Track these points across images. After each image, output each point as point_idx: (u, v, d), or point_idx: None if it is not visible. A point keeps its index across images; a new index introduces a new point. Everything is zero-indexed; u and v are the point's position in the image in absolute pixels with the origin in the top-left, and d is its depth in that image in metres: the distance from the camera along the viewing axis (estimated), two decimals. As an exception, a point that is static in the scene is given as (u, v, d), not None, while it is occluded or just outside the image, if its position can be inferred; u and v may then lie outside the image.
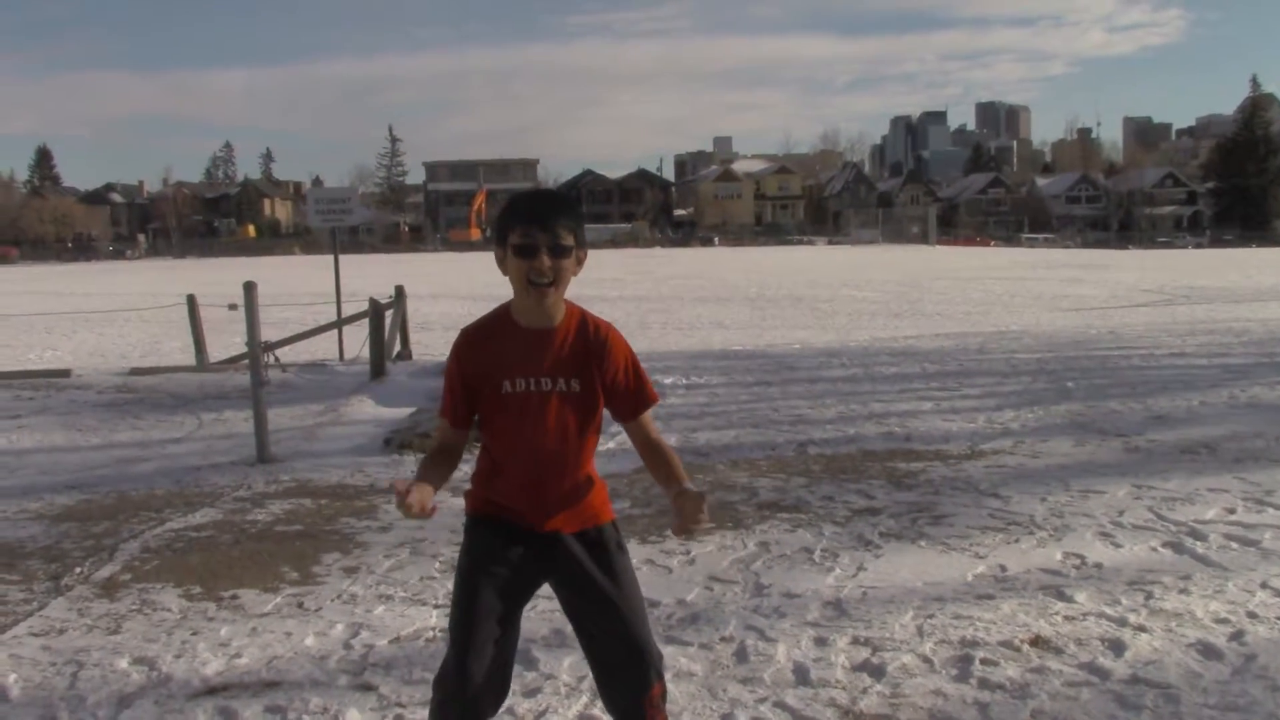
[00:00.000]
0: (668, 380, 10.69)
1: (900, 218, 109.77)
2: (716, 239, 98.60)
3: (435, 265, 54.20)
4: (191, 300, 14.44)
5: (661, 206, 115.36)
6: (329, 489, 6.62)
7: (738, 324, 20.01)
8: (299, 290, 27.68)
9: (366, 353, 11.89)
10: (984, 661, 3.65)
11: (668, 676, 3.51)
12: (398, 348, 13.62)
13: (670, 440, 7.78)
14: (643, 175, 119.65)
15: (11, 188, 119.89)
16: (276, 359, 12.60)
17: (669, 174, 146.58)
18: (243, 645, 3.97)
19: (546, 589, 2.71)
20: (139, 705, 3.47)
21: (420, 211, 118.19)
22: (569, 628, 2.77)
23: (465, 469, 2.78)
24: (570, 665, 3.61)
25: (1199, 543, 4.96)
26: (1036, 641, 3.81)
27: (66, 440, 8.64)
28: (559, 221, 2.50)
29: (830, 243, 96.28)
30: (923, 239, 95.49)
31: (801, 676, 3.57)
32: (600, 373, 2.61)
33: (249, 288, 7.92)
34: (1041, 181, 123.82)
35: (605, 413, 2.68)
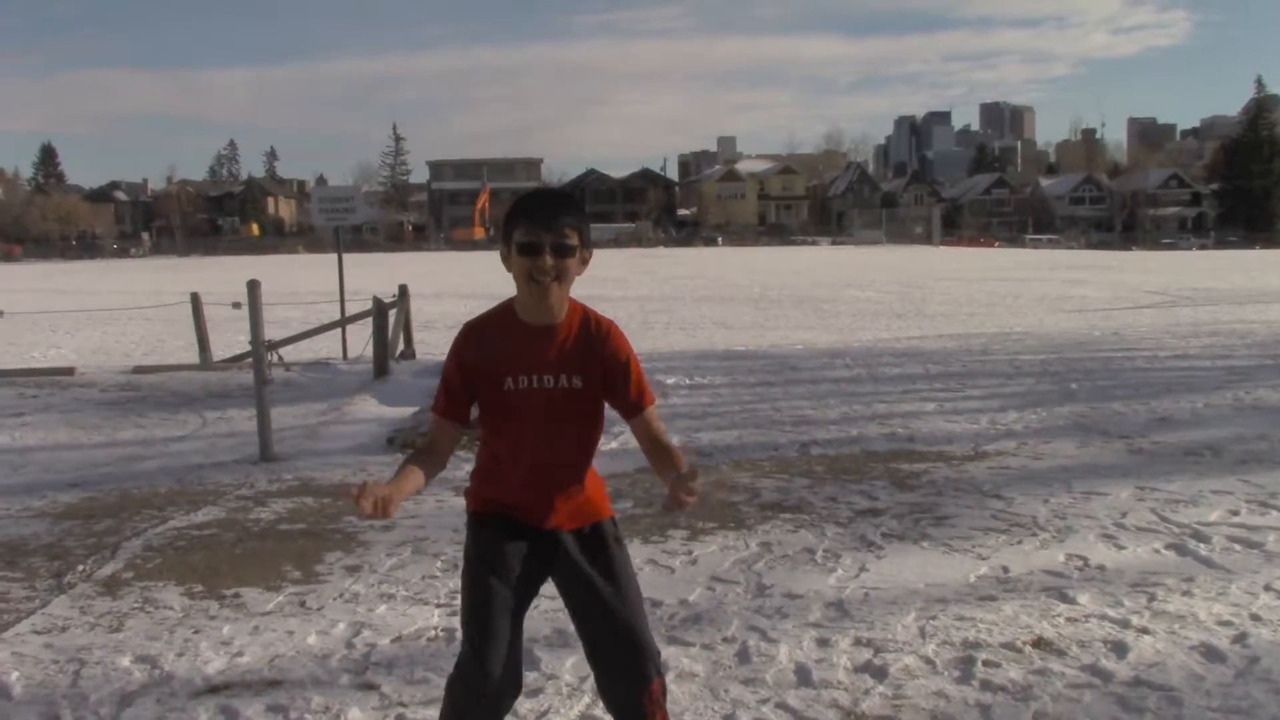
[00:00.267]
0: (670, 380, 10.69)
1: (904, 218, 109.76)
2: (720, 239, 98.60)
3: (439, 264, 54.21)
4: (195, 299, 14.45)
5: (665, 206, 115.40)
6: (332, 488, 6.62)
7: (741, 324, 20.00)
8: (302, 289, 27.70)
9: (370, 352, 11.90)
10: (986, 663, 3.64)
11: (670, 676, 3.51)
12: (401, 347, 13.62)
13: (673, 441, 7.81)
14: (646, 175, 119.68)
15: (16, 185, 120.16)
16: (280, 358, 12.62)
17: (673, 174, 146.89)
18: (245, 644, 3.97)
19: (548, 589, 2.71)
20: (141, 703, 3.47)
21: (424, 210, 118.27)
22: (571, 628, 2.77)
23: (466, 468, 2.78)
24: (572, 665, 3.61)
25: (1202, 545, 4.95)
26: (1039, 643, 3.81)
27: (70, 438, 8.65)
28: (563, 221, 2.50)
29: (834, 243, 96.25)
30: (926, 239, 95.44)
31: (803, 677, 3.57)
32: (601, 369, 2.61)
33: (253, 286, 7.93)
34: (1045, 182, 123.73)
35: (609, 413, 2.69)
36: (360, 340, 13.27)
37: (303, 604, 4.42)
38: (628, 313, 21.54)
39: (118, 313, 22.57)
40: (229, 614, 4.32)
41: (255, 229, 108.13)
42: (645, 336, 16.61)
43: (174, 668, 3.75)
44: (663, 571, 4.74)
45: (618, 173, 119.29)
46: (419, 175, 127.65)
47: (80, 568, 4.99)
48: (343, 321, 14.47)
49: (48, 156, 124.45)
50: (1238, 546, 4.93)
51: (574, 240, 2.52)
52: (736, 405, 9.54)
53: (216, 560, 5.07)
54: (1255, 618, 4.00)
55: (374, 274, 33.14)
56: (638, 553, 4.75)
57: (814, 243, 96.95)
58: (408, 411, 9.19)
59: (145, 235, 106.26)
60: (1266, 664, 3.58)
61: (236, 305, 10.46)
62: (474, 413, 2.67)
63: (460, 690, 2.56)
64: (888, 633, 3.93)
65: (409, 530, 5.51)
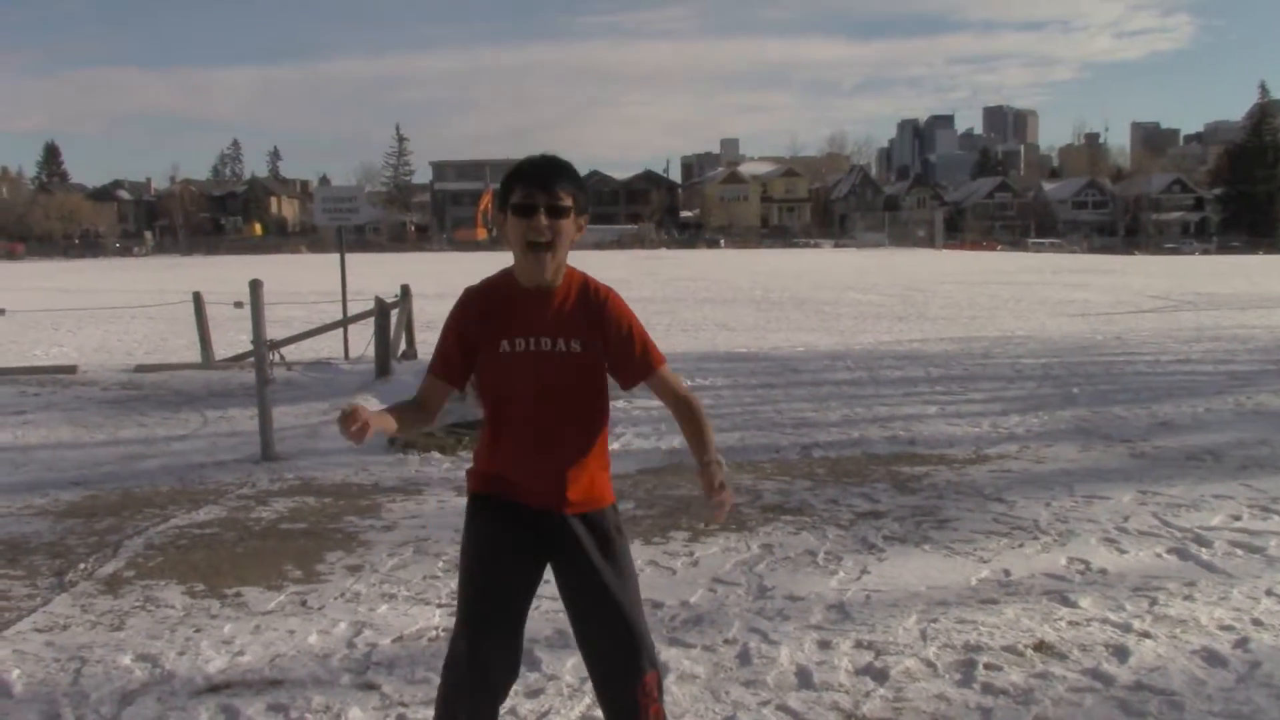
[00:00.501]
0: (672, 382, 10.69)
1: (906, 221, 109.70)
2: (722, 241, 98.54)
3: (441, 265, 54.19)
4: (197, 298, 14.46)
5: (668, 208, 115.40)
6: (333, 487, 6.63)
7: (742, 326, 19.99)
8: (305, 289, 27.70)
9: (371, 352, 11.90)
10: (987, 666, 3.64)
11: (671, 678, 3.52)
12: (403, 347, 13.63)
13: (675, 442, 7.82)
14: (649, 176, 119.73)
15: (19, 184, 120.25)
16: (282, 357, 12.63)
17: (675, 175, 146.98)
18: (246, 643, 3.97)
19: (545, 589, 2.71)
20: (142, 702, 3.47)
21: (427, 211, 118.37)
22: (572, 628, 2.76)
23: (468, 467, 2.77)
24: (573, 666, 3.61)
25: (1204, 549, 4.95)
26: (1040, 647, 3.80)
27: (72, 436, 8.65)
28: (559, 184, 2.52)
29: (836, 245, 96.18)
30: (929, 243, 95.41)
31: (804, 679, 3.56)
32: (602, 335, 2.61)
33: (255, 286, 7.93)
34: (1048, 186, 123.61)
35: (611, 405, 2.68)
36: (362, 340, 13.26)
37: (304, 603, 4.43)
38: (630, 314, 21.49)
39: (120, 311, 22.57)
40: (230, 613, 4.32)
41: (258, 229, 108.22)
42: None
43: (175, 666, 3.76)
44: (664, 573, 4.74)
45: (621, 174, 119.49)
46: (422, 176, 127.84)
47: (82, 566, 4.99)
48: (345, 321, 14.48)
49: (51, 155, 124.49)
50: (1239, 551, 4.92)
51: (568, 202, 2.53)
52: (738, 407, 9.54)
53: (218, 559, 5.08)
54: (1257, 622, 4.00)
55: (376, 274, 33.14)
56: (639, 554, 4.75)
57: (816, 245, 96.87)
58: (409, 412, 9.19)
59: (148, 234, 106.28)
60: (1268, 669, 3.58)
61: (238, 304, 10.49)
62: (475, 410, 2.66)
63: (451, 675, 2.56)
64: (889, 635, 3.93)
65: (411, 530, 5.52)
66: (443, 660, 2.63)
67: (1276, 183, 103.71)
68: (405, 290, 14.38)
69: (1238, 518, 5.50)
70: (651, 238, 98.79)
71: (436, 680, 3.41)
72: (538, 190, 2.50)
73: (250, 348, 8.86)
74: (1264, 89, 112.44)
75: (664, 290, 31.88)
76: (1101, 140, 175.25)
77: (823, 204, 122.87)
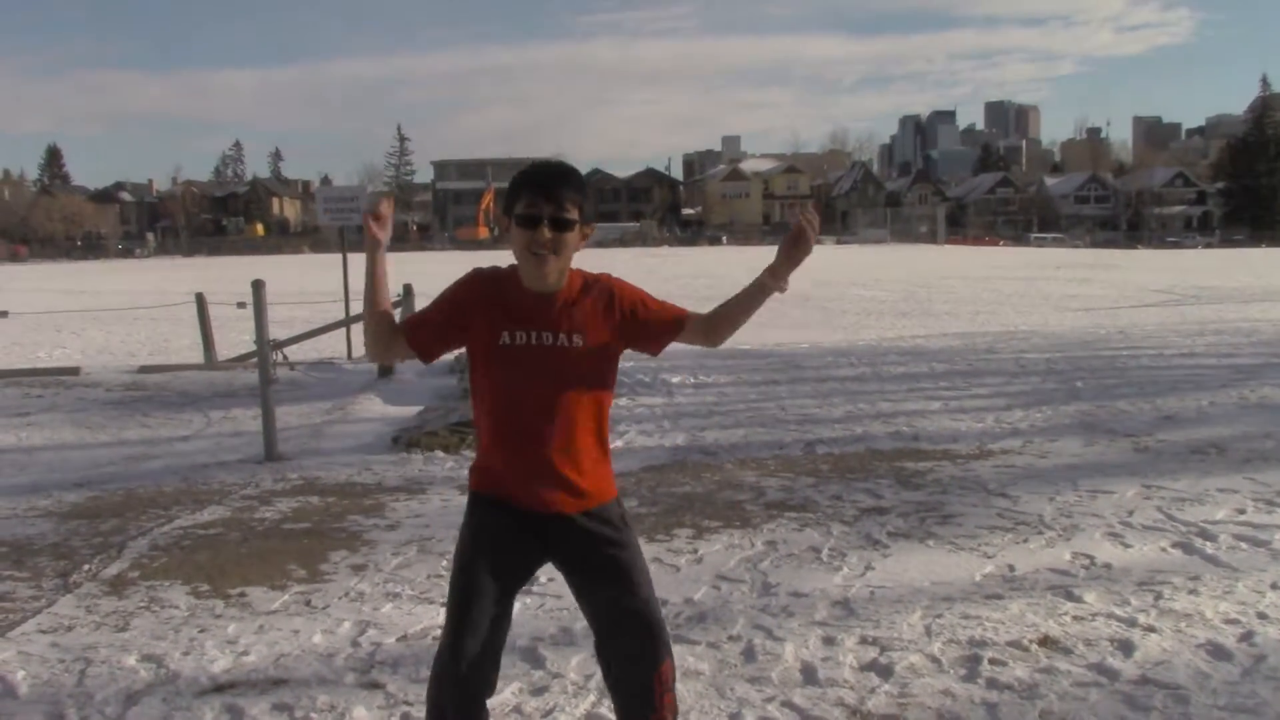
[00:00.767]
0: (675, 379, 10.70)
1: (909, 217, 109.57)
2: (724, 238, 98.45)
3: (443, 264, 54.09)
4: (200, 298, 14.48)
5: (670, 205, 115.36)
6: (337, 487, 6.63)
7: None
8: (307, 289, 27.70)
9: (374, 351, 11.89)
10: (992, 661, 3.64)
11: (675, 675, 3.51)
12: (406, 346, 13.62)
13: (678, 439, 7.83)
14: (651, 174, 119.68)
15: (21, 186, 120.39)
16: (285, 357, 12.63)
17: (677, 173, 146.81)
18: (250, 643, 3.97)
19: (550, 588, 2.71)
20: (146, 702, 3.47)
21: (429, 210, 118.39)
22: (576, 626, 2.77)
23: (469, 467, 2.77)
24: (578, 664, 3.61)
25: (1208, 543, 4.94)
26: (1045, 641, 3.80)
27: (75, 438, 8.66)
28: (564, 194, 2.51)
29: (838, 242, 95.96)
30: (931, 238, 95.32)
31: (809, 676, 3.56)
32: (622, 317, 2.62)
33: (257, 286, 7.94)
34: (1050, 181, 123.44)
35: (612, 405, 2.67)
36: (365, 340, 13.26)
37: (308, 603, 4.43)
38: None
39: (123, 313, 22.60)
40: (234, 613, 4.32)
41: (260, 229, 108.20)
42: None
43: (180, 667, 3.76)
44: (668, 570, 4.74)
45: (623, 172, 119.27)
46: (423, 175, 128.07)
47: (86, 567, 5.00)
48: (347, 321, 14.48)
49: (53, 157, 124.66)
50: (1244, 545, 4.91)
51: (574, 214, 2.52)
52: (742, 404, 9.53)
53: (222, 559, 5.08)
54: (1262, 616, 3.99)
55: (378, 274, 33.07)
56: (642, 551, 4.74)
57: (819, 242, 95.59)
58: (412, 411, 9.21)
59: (150, 236, 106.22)
60: (1273, 662, 3.57)
61: (241, 305, 10.48)
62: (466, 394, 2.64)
63: (436, 677, 2.59)
64: (893, 631, 3.93)
65: (414, 529, 5.52)
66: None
67: (1278, 176, 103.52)
68: (408, 289, 14.37)
69: (1242, 511, 5.49)
70: (654, 235, 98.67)
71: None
72: (543, 201, 2.49)
73: (253, 348, 8.88)
74: (1265, 82, 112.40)
75: (666, 288, 31.81)
76: (1103, 135, 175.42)
77: (824, 201, 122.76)
